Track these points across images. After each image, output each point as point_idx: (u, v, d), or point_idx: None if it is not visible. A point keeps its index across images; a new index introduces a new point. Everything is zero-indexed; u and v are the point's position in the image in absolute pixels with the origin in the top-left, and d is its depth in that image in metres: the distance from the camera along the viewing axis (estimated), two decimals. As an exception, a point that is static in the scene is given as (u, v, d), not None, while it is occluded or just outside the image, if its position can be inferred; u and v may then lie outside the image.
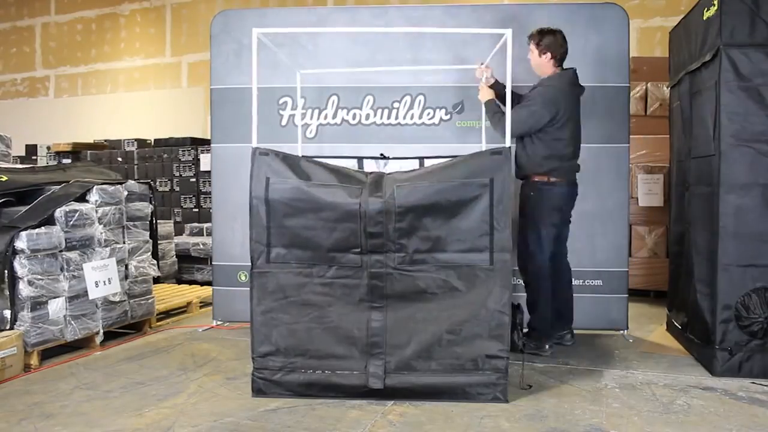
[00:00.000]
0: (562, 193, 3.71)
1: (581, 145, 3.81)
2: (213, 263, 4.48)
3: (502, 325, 2.96)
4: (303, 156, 3.33)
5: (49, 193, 3.91)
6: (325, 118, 4.31)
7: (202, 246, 6.26)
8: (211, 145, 4.43)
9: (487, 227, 2.94)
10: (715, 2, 3.35)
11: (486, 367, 2.96)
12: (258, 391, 3.03)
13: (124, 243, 4.25)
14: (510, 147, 3.00)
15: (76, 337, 3.85)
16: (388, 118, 4.27)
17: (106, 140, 9.01)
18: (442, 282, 2.97)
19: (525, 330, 3.79)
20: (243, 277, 4.33)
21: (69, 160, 8.38)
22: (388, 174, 3.15)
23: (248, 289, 4.27)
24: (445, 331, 2.96)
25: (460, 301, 2.96)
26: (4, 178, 3.86)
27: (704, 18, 3.54)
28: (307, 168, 3.05)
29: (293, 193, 2.98)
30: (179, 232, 6.91)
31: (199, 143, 7.85)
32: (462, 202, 2.93)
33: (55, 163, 8.56)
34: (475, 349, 2.95)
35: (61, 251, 3.75)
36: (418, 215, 2.94)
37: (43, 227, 3.67)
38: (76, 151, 8.52)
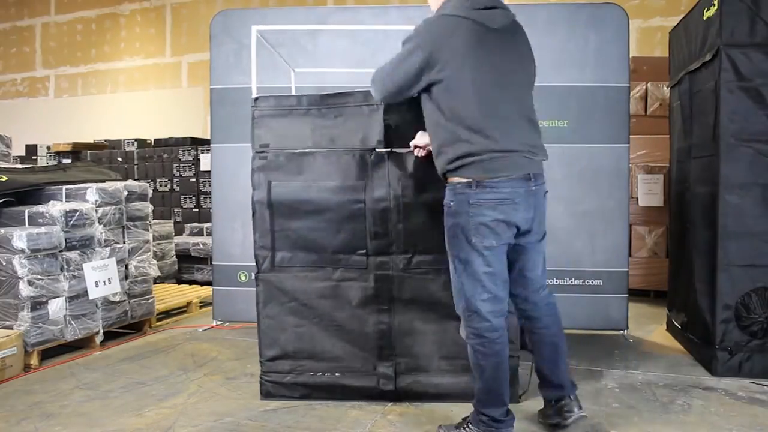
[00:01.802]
0: (490, 198, 2.31)
1: (524, 117, 2.40)
2: (213, 263, 4.48)
3: (512, 325, 2.95)
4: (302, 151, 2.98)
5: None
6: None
7: (202, 246, 6.26)
8: (211, 145, 4.43)
9: None
10: (715, 2, 3.35)
11: None
12: (267, 395, 3.01)
13: (124, 243, 4.25)
14: None
15: (76, 337, 3.85)
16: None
17: (106, 140, 9.01)
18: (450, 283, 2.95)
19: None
20: (243, 277, 4.33)
21: (69, 160, 8.37)
22: (391, 158, 2.89)
23: (248, 289, 4.27)
24: (453, 332, 2.95)
25: None
26: (4, 178, 3.87)
27: (704, 18, 3.54)
28: (309, 162, 2.94)
29: (296, 195, 2.94)
30: (179, 232, 6.90)
31: (199, 143, 7.84)
32: None
33: (56, 163, 8.56)
34: None
35: (61, 251, 3.75)
36: (424, 215, 2.90)
37: (43, 227, 3.67)
38: (76, 151, 8.50)
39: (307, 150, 2.94)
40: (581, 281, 4.14)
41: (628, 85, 4.15)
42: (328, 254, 2.95)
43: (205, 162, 7.25)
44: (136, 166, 8.02)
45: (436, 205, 2.87)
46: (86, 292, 3.88)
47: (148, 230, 4.50)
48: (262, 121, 2.96)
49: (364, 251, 2.94)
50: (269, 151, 2.96)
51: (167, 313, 4.86)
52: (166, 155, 7.82)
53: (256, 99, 2.98)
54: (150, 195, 4.63)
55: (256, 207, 2.96)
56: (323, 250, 2.95)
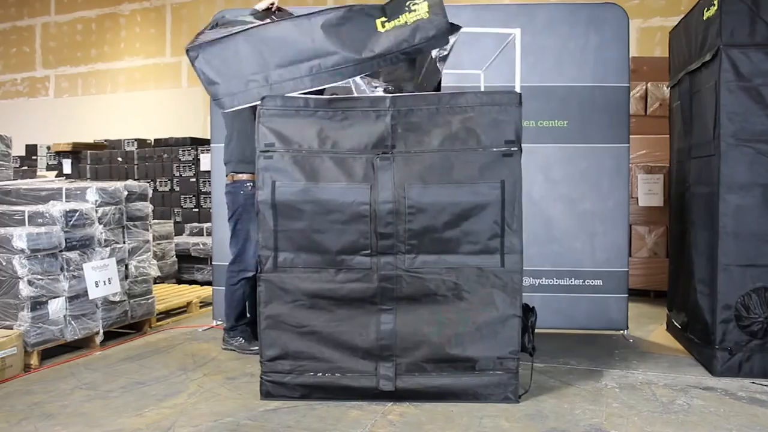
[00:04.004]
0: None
1: None
2: (213, 263, 4.48)
3: (513, 326, 2.95)
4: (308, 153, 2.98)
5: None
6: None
7: (202, 246, 6.26)
8: (211, 145, 4.43)
9: (499, 229, 2.92)
10: (715, 2, 3.35)
11: (497, 368, 2.95)
12: (267, 394, 3.02)
13: (124, 243, 4.25)
14: (518, 150, 2.91)
15: (76, 337, 3.85)
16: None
17: (106, 140, 9.01)
18: (453, 284, 2.94)
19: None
20: (243, 277, 4.32)
21: (69, 160, 8.38)
22: (397, 156, 2.93)
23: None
24: (455, 333, 2.95)
25: (471, 303, 2.95)
26: None
27: (704, 18, 3.54)
28: (315, 163, 2.95)
29: (301, 195, 2.93)
30: (179, 232, 6.90)
31: (199, 143, 7.84)
32: (473, 204, 2.91)
33: (55, 162, 8.56)
34: (486, 350, 2.95)
35: (61, 251, 3.75)
36: (429, 216, 2.91)
37: (43, 227, 3.67)
38: (76, 151, 8.52)
39: (313, 151, 2.94)
40: (581, 281, 4.14)
41: (628, 85, 4.16)
42: (331, 255, 2.95)
43: (205, 162, 7.25)
44: (136, 166, 8.02)
45: (440, 206, 2.89)
46: (86, 292, 3.88)
47: (148, 230, 4.50)
48: (268, 121, 2.95)
49: (369, 252, 2.94)
50: (274, 150, 2.95)
51: (167, 313, 4.86)
52: (166, 155, 7.82)
53: (263, 98, 2.97)
54: (150, 195, 4.63)
55: (259, 207, 2.95)
56: (327, 251, 2.95)
